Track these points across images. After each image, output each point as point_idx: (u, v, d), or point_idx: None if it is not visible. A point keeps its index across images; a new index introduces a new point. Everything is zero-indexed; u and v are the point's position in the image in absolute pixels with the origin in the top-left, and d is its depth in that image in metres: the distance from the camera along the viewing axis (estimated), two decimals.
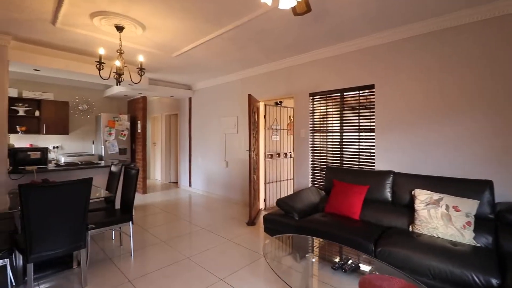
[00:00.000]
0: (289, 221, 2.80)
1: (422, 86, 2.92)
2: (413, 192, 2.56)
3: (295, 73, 4.23)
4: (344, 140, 3.66)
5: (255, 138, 4.37)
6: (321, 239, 2.38)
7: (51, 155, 5.94)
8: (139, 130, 6.41)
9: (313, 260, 1.98)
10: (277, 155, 5.08)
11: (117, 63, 2.91)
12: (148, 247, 3.14)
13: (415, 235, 2.27)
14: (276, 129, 5.10)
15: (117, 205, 3.46)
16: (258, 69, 4.78)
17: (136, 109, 6.68)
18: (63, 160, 5.81)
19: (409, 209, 2.58)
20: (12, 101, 5.28)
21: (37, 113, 5.57)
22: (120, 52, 2.82)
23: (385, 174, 2.87)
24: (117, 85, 2.93)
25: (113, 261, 2.78)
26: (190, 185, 6.67)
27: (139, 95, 6.25)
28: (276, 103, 5.39)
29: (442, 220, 2.26)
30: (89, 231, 2.58)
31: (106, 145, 6.11)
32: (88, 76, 4.17)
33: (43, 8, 2.50)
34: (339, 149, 3.70)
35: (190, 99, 6.65)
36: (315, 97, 4.00)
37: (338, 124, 3.72)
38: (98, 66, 2.62)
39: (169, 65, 4.56)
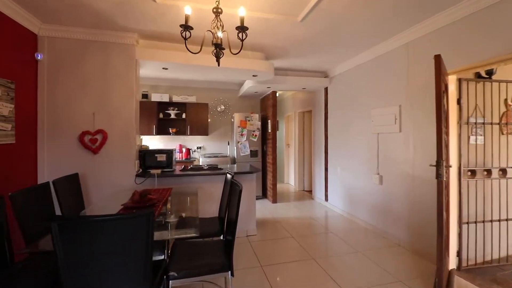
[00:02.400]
0: None
1: None
2: None
3: None
4: None
5: (445, 141, 2.38)
6: None
7: (194, 155, 6.27)
8: (269, 130, 5.69)
9: None
10: (484, 172, 2.75)
11: (219, 33, 1.97)
12: None
13: None
14: (480, 123, 2.80)
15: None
16: (438, 18, 2.70)
17: (266, 106, 6.02)
18: (201, 160, 5.97)
19: None
20: (166, 105, 5.84)
21: (183, 115, 5.94)
22: (217, 11, 1.85)
23: None
24: (218, 63, 2.01)
25: None
26: (326, 199, 5.25)
27: (269, 90, 5.50)
28: (479, 76, 3.01)
29: None
30: (170, 281, 1.76)
31: (238, 147, 5.78)
32: (205, 69, 3.68)
33: None
34: None
35: (326, 89, 5.23)
36: None
37: None
38: (182, 32, 1.75)
39: (295, 40, 3.33)
